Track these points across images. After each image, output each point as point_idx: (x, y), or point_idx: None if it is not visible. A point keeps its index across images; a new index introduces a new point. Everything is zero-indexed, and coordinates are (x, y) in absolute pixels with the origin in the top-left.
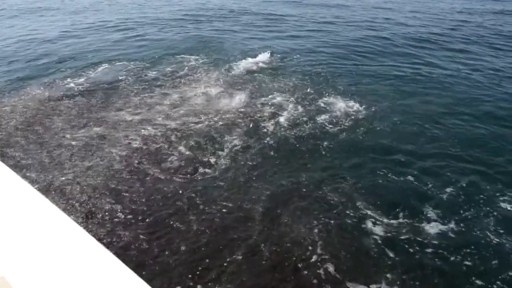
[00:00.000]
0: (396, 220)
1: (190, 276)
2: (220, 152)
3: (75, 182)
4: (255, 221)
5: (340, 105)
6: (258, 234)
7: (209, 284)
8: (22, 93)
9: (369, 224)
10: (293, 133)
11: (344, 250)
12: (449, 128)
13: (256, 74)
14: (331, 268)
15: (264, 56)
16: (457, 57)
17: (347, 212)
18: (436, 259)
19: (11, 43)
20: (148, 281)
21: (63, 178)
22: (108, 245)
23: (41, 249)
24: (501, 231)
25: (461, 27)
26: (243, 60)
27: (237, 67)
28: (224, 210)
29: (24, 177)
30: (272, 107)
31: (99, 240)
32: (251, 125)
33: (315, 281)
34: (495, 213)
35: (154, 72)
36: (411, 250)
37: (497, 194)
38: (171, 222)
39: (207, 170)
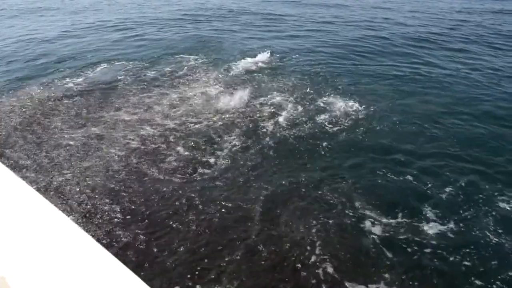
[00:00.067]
0: (395, 220)
1: (189, 276)
2: (219, 152)
3: (74, 182)
4: (255, 221)
5: (340, 104)
6: (257, 234)
7: (209, 284)
8: (20, 93)
9: (368, 224)
10: (292, 133)
11: (343, 250)
12: (448, 128)
13: (255, 74)
14: (330, 268)
15: (263, 56)
16: (456, 56)
17: (346, 212)
18: (435, 259)
19: (11, 43)
20: (147, 281)
21: (62, 178)
22: (107, 246)
23: (40, 249)
24: (500, 231)
25: (460, 26)
26: (242, 60)
27: (236, 67)
28: (223, 210)
29: (23, 177)
30: (272, 107)
31: (98, 240)
32: (250, 125)
33: (314, 281)
34: (494, 213)
35: (153, 72)
36: (410, 250)
37: (496, 194)
38: (170, 222)
39: (206, 170)
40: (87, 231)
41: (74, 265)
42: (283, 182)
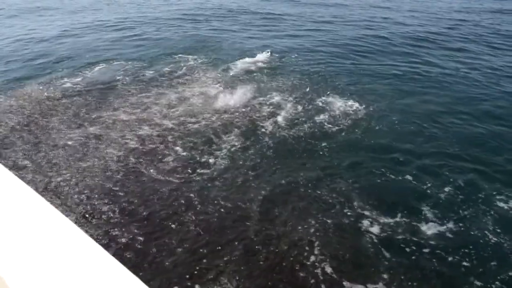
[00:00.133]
0: (394, 219)
1: (188, 276)
2: (218, 152)
3: (72, 182)
4: (253, 221)
5: (339, 104)
6: (256, 234)
7: (208, 284)
8: (19, 93)
9: (367, 224)
10: (291, 133)
11: (342, 250)
12: (447, 127)
13: (254, 74)
14: (328, 268)
15: (262, 56)
16: (455, 56)
17: (345, 211)
18: (434, 259)
19: (9, 42)
20: (146, 281)
21: (60, 178)
22: (105, 246)
23: (39, 249)
24: (499, 231)
25: (459, 26)
26: (242, 60)
27: (236, 67)
28: (222, 210)
29: (21, 177)
30: (271, 107)
31: (97, 240)
32: (249, 125)
33: (312, 281)
34: (493, 213)
35: (151, 72)
36: (409, 250)
37: (495, 194)
38: (169, 223)
39: (204, 170)
40: (85, 231)
41: (73, 265)
42: (282, 182)
